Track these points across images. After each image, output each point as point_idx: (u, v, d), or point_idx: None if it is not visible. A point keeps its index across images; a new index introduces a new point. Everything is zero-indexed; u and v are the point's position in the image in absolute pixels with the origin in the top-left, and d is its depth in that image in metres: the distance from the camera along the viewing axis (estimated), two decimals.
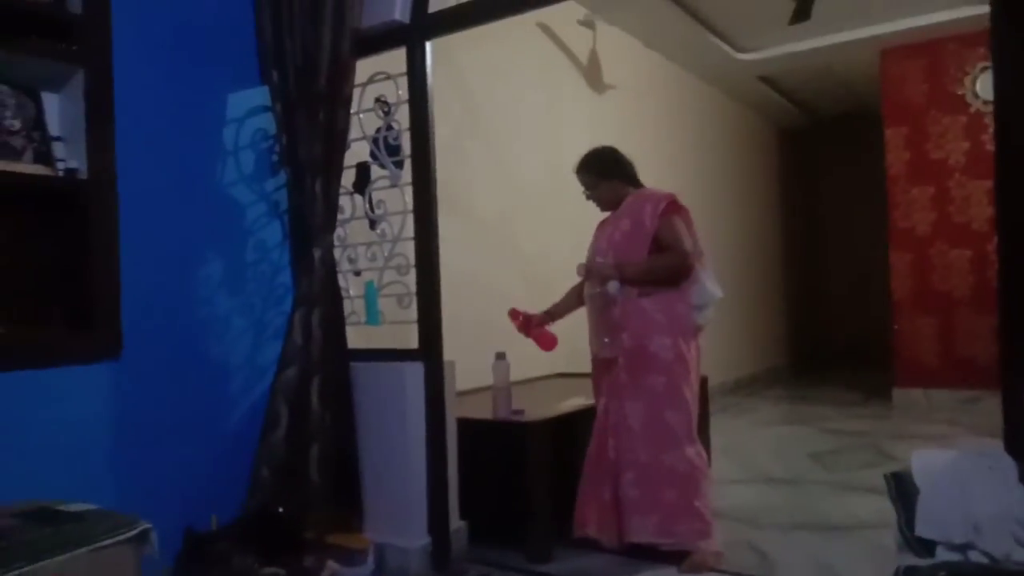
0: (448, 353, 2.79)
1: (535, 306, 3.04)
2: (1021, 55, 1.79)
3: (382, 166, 2.91)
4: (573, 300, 2.99)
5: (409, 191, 2.80)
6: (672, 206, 2.73)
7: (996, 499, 1.57)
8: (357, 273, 2.99)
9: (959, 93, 5.94)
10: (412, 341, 2.79)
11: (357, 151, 2.93)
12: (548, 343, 2.92)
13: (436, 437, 2.74)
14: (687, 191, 5.42)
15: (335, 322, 2.72)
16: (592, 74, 5.28)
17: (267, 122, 2.81)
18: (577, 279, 2.94)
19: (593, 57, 5.26)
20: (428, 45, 2.78)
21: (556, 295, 3.08)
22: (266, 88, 2.76)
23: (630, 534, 2.64)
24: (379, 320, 2.89)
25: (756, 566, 2.68)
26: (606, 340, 2.71)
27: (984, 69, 5.74)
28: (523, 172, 4.36)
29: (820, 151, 9.55)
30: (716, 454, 3.96)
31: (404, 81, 2.80)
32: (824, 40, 6.06)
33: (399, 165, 2.87)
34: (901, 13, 5.66)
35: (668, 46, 6.04)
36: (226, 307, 2.66)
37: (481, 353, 3.05)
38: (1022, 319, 1.80)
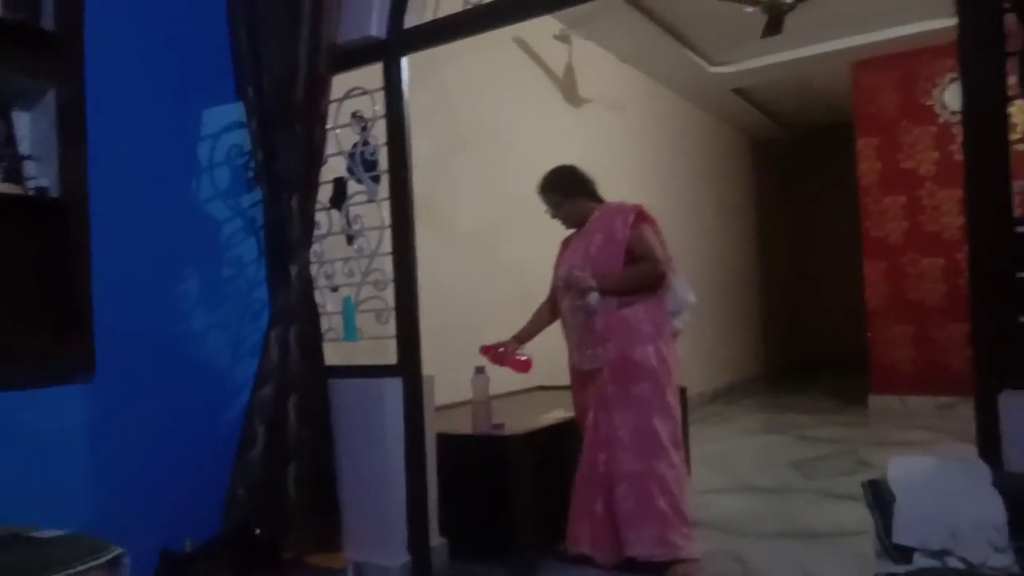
0: (427, 368, 2.77)
1: (517, 319, 3.04)
2: (988, 66, 1.82)
3: (359, 181, 2.90)
4: (542, 319, 3.03)
5: (386, 206, 2.80)
6: (641, 217, 2.79)
7: (972, 505, 1.58)
8: (334, 289, 2.97)
9: (928, 104, 6.06)
10: (390, 356, 2.78)
11: (334, 166, 2.92)
12: (522, 366, 2.92)
13: (415, 453, 2.72)
14: (663, 203, 5.49)
15: (312, 339, 2.70)
16: (568, 88, 5.32)
17: (242, 138, 2.79)
18: (542, 300, 3.03)
19: (569, 71, 5.30)
20: (405, 60, 2.78)
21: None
22: (241, 104, 2.74)
23: (626, 548, 2.64)
24: (357, 336, 2.87)
25: (739, 575, 2.69)
26: (589, 352, 2.73)
27: (952, 80, 5.86)
28: (504, 185, 4.37)
29: (794, 162, 9.68)
30: (697, 464, 3.97)
31: (381, 96, 2.80)
32: (796, 53, 6.16)
33: (376, 180, 2.87)
34: (871, 26, 5.77)
35: (643, 60, 6.10)
36: (201, 324, 2.63)
37: (461, 367, 3.04)
38: (993, 326, 1.83)
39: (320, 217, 2.86)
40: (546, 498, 2.85)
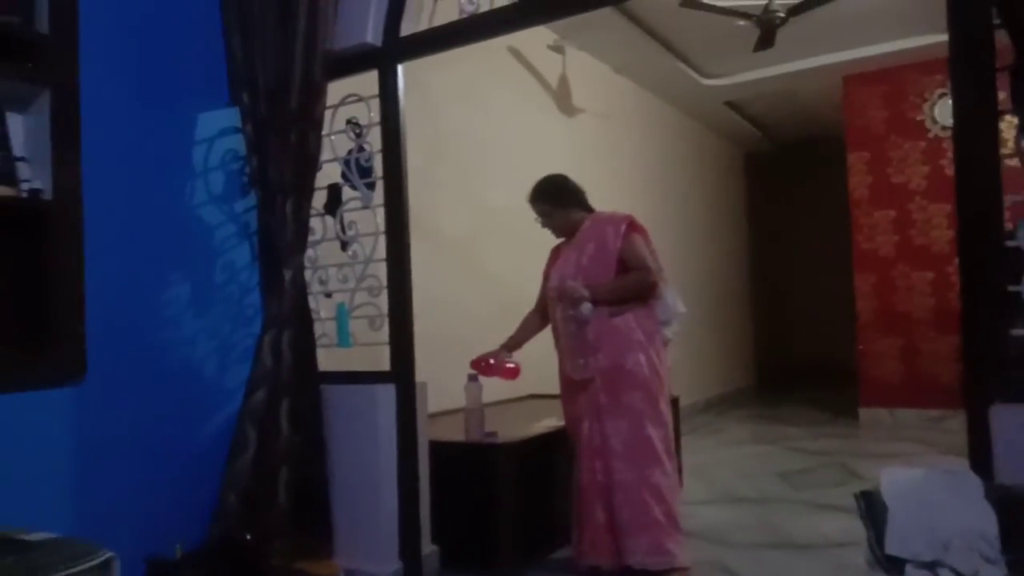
0: (420, 375, 2.77)
1: (508, 328, 3.04)
2: (979, 82, 1.84)
3: (353, 187, 2.90)
4: (531, 328, 3.04)
5: (381, 212, 2.80)
6: (632, 227, 2.81)
7: (964, 517, 1.59)
8: (328, 295, 2.96)
9: (918, 119, 6.12)
10: (383, 363, 2.77)
11: (328, 172, 2.93)
12: (510, 374, 2.92)
13: (407, 460, 2.71)
14: (655, 213, 5.51)
15: (305, 344, 2.70)
16: (562, 98, 5.34)
17: (237, 143, 2.79)
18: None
19: (563, 81, 5.32)
20: (400, 68, 2.79)
21: None
22: (236, 109, 2.74)
23: (624, 556, 2.64)
24: (350, 342, 2.86)
25: None
26: (581, 361, 2.73)
27: (942, 95, 5.92)
28: (494, 194, 4.38)
29: (785, 175, 9.73)
30: (686, 474, 3.98)
31: (376, 103, 2.81)
32: (788, 67, 6.21)
33: (370, 187, 2.87)
34: (862, 41, 5.83)
35: (636, 71, 6.14)
36: (193, 329, 2.62)
37: (453, 375, 3.04)
38: (984, 340, 1.85)
39: (314, 223, 2.85)
40: (537, 506, 2.85)
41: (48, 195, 2.15)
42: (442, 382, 3.08)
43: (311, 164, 2.71)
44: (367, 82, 2.83)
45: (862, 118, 6.36)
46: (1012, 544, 1.55)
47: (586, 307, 2.69)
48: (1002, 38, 1.79)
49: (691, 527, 3.12)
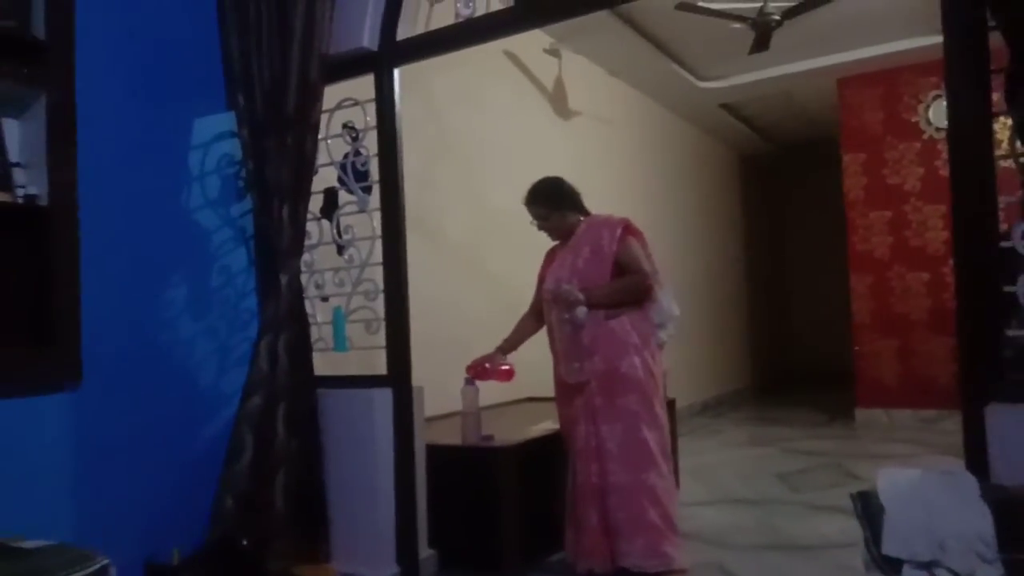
0: (417, 379, 2.77)
1: (505, 331, 3.04)
2: (973, 83, 1.85)
3: (350, 191, 2.90)
4: (526, 330, 3.04)
5: (377, 216, 2.80)
6: (628, 230, 2.81)
7: (960, 517, 1.60)
8: (324, 299, 2.96)
9: (913, 120, 6.13)
10: (380, 367, 2.77)
11: (325, 176, 2.93)
12: (505, 376, 2.93)
13: (405, 464, 2.71)
14: (651, 216, 5.51)
15: (302, 348, 2.70)
16: (558, 101, 5.35)
17: (233, 147, 2.79)
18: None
19: (559, 85, 5.33)
20: (396, 72, 2.79)
21: None
22: (232, 113, 2.74)
23: (619, 558, 2.64)
24: (347, 346, 2.86)
25: None
26: (576, 365, 2.73)
27: (937, 97, 5.94)
28: (493, 196, 4.38)
29: (781, 177, 9.76)
30: (684, 476, 3.98)
31: (372, 107, 2.81)
32: (783, 69, 6.22)
33: (367, 191, 2.87)
34: (857, 43, 5.84)
35: (632, 74, 6.15)
36: (190, 333, 2.61)
37: (451, 378, 3.03)
38: (979, 340, 1.85)
39: (311, 227, 2.85)
40: (535, 509, 2.84)
41: (44, 201, 2.15)
42: (442, 384, 3.08)
43: (307, 168, 2.71)
44: (364, 86, 2.83)
45: (857, 120, 6.37)
46: (1008, 544, 1.55)
47: (581, 310, 2.69)
48: (996, 40, 1.80)
49: (689, 528, 3.12)
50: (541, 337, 2.98)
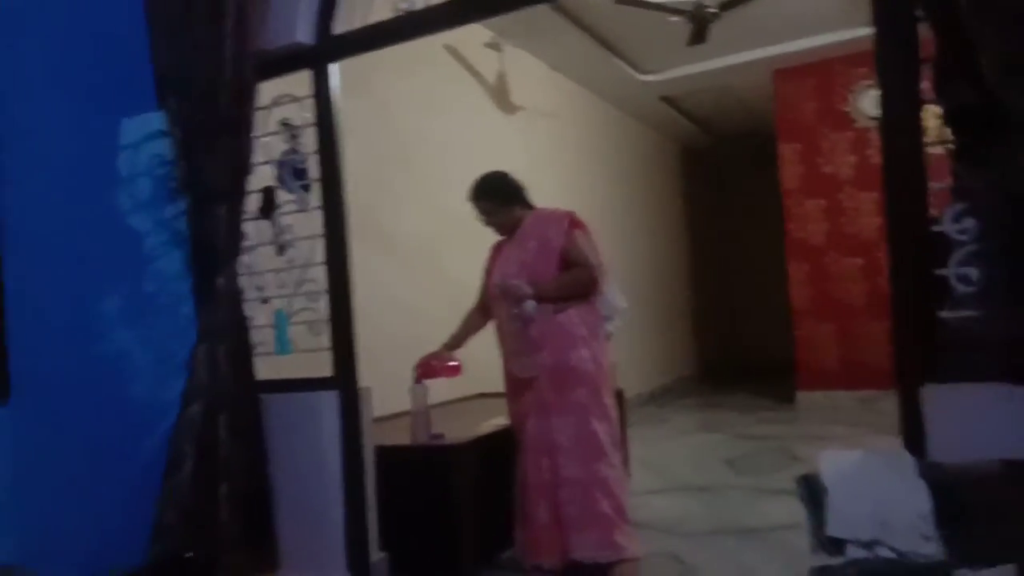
0: (367, 379, 2.73)
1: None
2: (903, 73, 1.90)
3: (289, 190, 2.83)
4: (472, 325, 3.03)
5: (318, 215, 2.74)
6: (574, 223, 2.81)
7: (900, 496, 1.64)
8: (265, 301, 2.89)
9: (845, 110, 6.30)
10: (325, 369, 2.72)
11: (262, 175, 2.85)
12: (452, 372, 2.92)
13: (353, 467, 2.67)
14: (597, 208, 5.55)
15: (242, 353, 2.63)
16: (501, 96, 5.33)
17: (164, 147, 2.69)
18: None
19: (501, 79, 5.31)
20: (335, 67, 2.74)
21: None
22: (163, 112, 2.65)
23: (571, 551, 2.63)
24: (290, 349, 2.80)
25: (678, 575, 2.72)
26: (526, 359, 2.72)
27: (867, 87, 6.11)
28: (444, 195, 4.34)
29: (722, 168, 9.93)
30: (635, 465, 4.02)
31: (311, 103, 2.75)
32: (721, 62, 6.33)
33: (306, 189, 2.81)
34: (792, 35, 5.97)
35: (573, 68, 6.17)
36: (125, 342, 2.52)
37: (403, 378, 2.99)
38: (913, 323, 1.91)
39: (249, 228, 2.77)
40: (487, 507, 2.83)
41: None
42: (398, 384, 3.03)
43: (243, 167, 2.64)
44: (301, 82, 2.77)
45: (793, 111, 6.52)
46: (945, 521, 1.60)
47: (530, 304, 2.68)
48: (925, 31, 1.85)
49: (641, 517, 3.15)
50: (488, 332, 2.97)
